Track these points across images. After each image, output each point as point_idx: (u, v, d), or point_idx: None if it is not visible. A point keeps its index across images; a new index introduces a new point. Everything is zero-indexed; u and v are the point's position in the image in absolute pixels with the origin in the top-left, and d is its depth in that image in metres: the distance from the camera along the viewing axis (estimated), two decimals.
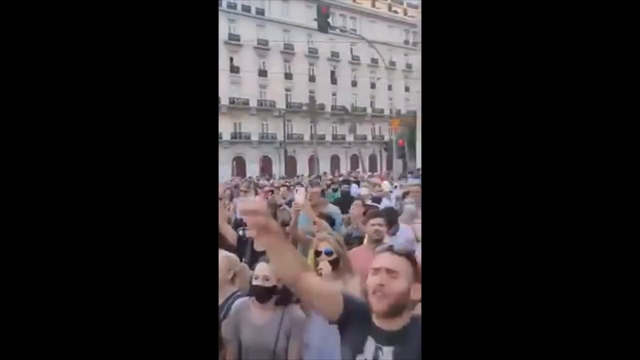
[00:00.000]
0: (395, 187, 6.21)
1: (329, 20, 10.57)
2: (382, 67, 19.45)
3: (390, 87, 27.78)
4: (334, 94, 29.80)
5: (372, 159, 27.78)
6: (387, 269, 0.94)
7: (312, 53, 28.53)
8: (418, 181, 5.13)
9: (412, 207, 2.81)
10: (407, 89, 30.97)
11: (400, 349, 0.92)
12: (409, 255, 0.98)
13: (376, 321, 0.96)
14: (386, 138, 18.54)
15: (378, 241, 2.08)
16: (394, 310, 0.93)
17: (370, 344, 0.95)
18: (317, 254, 1.66)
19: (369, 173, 12.37)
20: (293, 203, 2.63)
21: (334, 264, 1.62)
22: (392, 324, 0.94)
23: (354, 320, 0.98)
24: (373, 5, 31.58)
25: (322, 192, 4.01)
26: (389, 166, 14.96)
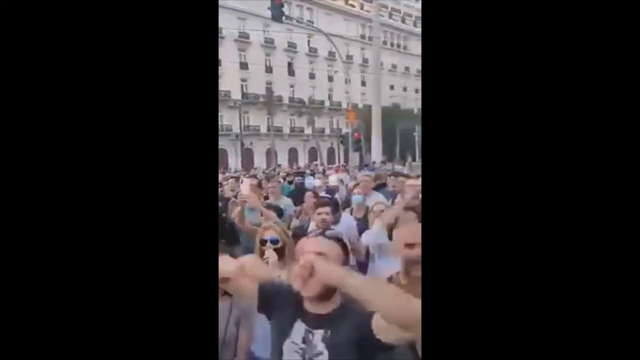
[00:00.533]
0: (351, 179, 6.33)
1: (284, 9, 10.39)
2: (339, 60, 19.58)
3: (347, 81, 28.12)
4: (291, 86, 29.54)
5: (331, 152, 28.07)
6: (316, 252, 0.94)
7: (269, 43, 27.96)
8: (370, 173, 5.27)
9: (359, 197, 2.88)
10: (363, 84, 31.60)
11: (331, 332, 0.92)
12: (339, 240, 0.99)
13: (307, 305, 0.96)
14: (344, 131, 18.80)
15: (324, 230, 2.09)
16: (323, 294, 0.93)
17: (299, 328, 0.95)
18: (263, 242, 1.65)
19: (327, 166, 12.49)
20: (239, 195, 2.57)
21: (280, 252, 1.61)
22: (321, 308, 0.95)
23: (281, 305, 0.98)
24: None
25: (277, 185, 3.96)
26: (347, 159, 15.23)
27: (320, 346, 0.93)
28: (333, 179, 5.93)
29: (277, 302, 0.99)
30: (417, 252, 1.26)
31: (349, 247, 1.01)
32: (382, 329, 0.88)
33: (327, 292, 0.94)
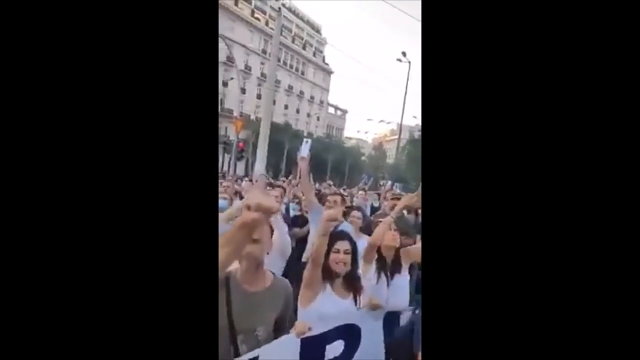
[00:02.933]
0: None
1: None
2: (236, 68, 19.23)
3: (243, 91, 27.73)
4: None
5: None
6: None
7: None
8: (248, 183, 5.32)
9: (224, 202, 2.90)
10: (258, 97, 31.70)
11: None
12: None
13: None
14: (231, 139, 18.32)
15: None
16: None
17: None
18: None
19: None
20: None
21: None
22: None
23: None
24: (236, 4, 31.17)
25: None
26: (231, 167, 14.79)
27: None
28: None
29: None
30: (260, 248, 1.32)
31: None
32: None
33: None
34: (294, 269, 2.14)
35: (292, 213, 3.61)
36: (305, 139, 2.55)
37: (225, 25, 26.89)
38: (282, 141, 23.09)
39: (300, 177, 2.67)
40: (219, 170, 16.46)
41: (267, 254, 1.40)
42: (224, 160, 21.95)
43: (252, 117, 27.74)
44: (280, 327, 1.38)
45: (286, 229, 2.31)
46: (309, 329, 1.42)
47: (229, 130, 28.46)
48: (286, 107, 36.19)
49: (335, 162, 29.62)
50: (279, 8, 13.02)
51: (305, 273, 1.63)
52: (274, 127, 16.08)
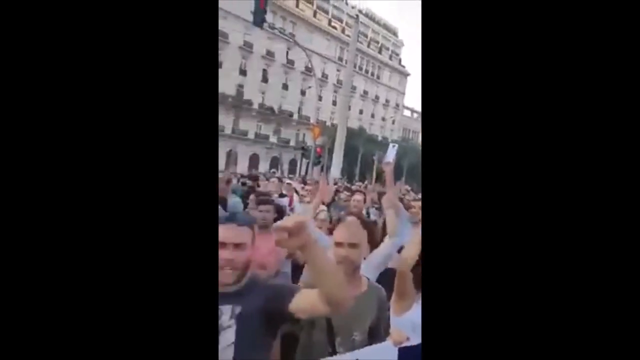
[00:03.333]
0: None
1: (266, 16, 10.49)
2: (314, 76, 19.97)
3: (320, 98, 28.66)
4: (262, 93, 29.44)
5: (292, 163, 28.09)
6: (235, 243, 0.99)
7: (247, 47, 27.82)
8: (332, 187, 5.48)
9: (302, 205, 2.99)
10: (334, 103, 32.34)
11: (241, 307, 0.97)
12: (251, 225, 1.04)
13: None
14: (308, 145, 19.04)
15: (264, 227, 2.13)
16: (238, 279, 0.99)
17: None
18: None
19: (288, 176, 12.49)
20: None
21: None
22: (231, 288, 0.99)
23: None
24: (314, 16, 32.42)
25: (228, 181, 3.93)
26: (307, 172, 15.38)
27: (230, 322, 0.96)
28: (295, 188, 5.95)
29: None
30: (345, 251, 1.36)
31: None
32: (302, 305, 0.94)
33: (241, 276, 1.00)
34: (383, 275, 2.11)
35: (372, 218, 3.59)
36: (392, 144, 2.51)
37: (304, 37, 28.16)
38: (357, 146, 23.14)
39: (385, 182, 2.64)
40: (297, 174, 17.22)
41: (364, 258, 1.42)
42: (301, 165, 22.91)
43: (328, 123, 28.41)
44: (374, 334, 1.37)
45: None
46: (407, 338, 1.38)
47: (306, 137, 29.66)
48: (361, 112, 36.19)
49: (411, 166, 28.53)
50: (356, 15, 13.14)
51: (398, 281, 1.60)
52: (349, 132, 16.24)
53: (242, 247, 0.99)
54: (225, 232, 0.98)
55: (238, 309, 0.97)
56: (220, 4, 25.00)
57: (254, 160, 28.00)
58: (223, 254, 0.96)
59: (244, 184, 5.93)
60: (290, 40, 23.37)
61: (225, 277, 0.97)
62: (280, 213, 2.51)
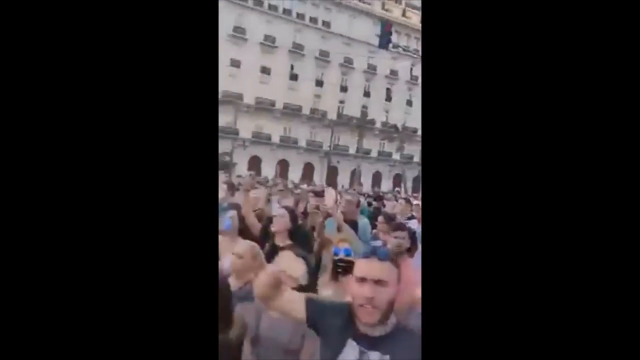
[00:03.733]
0: None
1: (391, 37, 10.64)
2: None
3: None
4: (386, 111, 29.66)
5: (416, 180, 27.02)
6: (375, 279, 0.91)
7: (371, 69, 28.73)
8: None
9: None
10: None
11: (390, 356, 0.91)
12: (393, 260, 0.95)
13: (359, 326, 0.94)
14: None
15: (399, 254, 2.07)
16: (382, 319, 0.92)
17: (351, 347, 0.93)
18: (336, 254, 1.67)
19: (413, 194, 12.00)
20: (321, 205, 2.70)
21: (348, 268, 1.63)
22: (374, 330, 0.93)
23: (332, 322, 0.97)
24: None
25: (357, 203, 4.02)
26: None
27: None
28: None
29: (328, 318, 0.97)
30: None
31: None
32: None
33: (386, 317, 0.93)
34: None
35: None
36: None
37: None
38: None
39: None
40: (420, 192, 16.30)
41: None
42: None
43: None
44: None
45: None
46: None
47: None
48: None
49: None
50: None
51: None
52: None
53: (384, 284, 0.91)
54: (365, 267, 0.92)
55: (387, 358, 0.91)
56: (344, 32, 26.83)
57: (376, 178, 28.19)
58: (363, 291, 0.90)
59: (369, 204, 5.98)
60: (415, 56, 22.96)
61: (366, 315, 0.90)
62: (412, 239, 2.40)
